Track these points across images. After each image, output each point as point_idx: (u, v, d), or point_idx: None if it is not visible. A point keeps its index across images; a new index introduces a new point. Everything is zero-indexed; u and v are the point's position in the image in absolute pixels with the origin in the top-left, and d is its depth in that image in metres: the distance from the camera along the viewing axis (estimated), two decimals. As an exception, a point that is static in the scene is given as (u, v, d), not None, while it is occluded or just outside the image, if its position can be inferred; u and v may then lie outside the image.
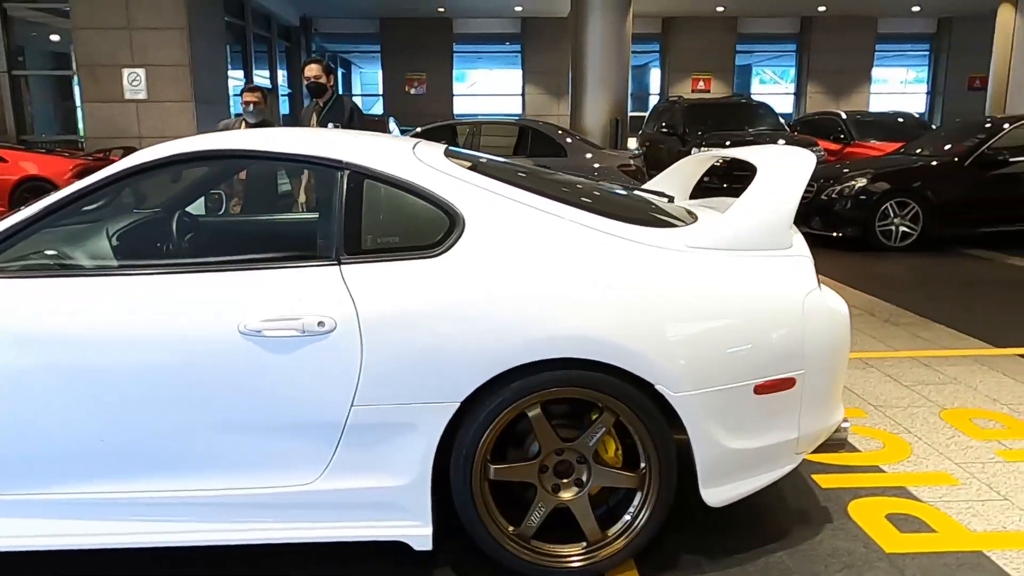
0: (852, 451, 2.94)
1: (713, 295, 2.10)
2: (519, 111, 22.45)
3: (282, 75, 20.42)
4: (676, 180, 3.27)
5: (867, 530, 2.38)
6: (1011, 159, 7.62)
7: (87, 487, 2.05)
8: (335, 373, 1.99)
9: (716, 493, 2.14)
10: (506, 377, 2.01)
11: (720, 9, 20.02)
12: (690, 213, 2.51)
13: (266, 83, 19.10)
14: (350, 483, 2.07)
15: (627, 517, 2.14)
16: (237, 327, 1.98)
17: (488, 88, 23.33)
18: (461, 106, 22.31)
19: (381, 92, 21.98)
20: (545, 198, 2.20)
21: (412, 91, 21.44)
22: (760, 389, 2.12)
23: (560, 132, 9.15)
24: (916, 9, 20.05)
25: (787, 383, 2.15)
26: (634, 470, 2.13)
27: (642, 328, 2.02)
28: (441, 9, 19.99)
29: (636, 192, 2.78)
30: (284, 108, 20.87)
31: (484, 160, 2.46)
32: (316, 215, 2.22)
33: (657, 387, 2.03)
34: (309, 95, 5.36)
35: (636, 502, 2.14)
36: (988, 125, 8.46)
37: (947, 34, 21.50)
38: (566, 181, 2.57)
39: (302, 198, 3.34)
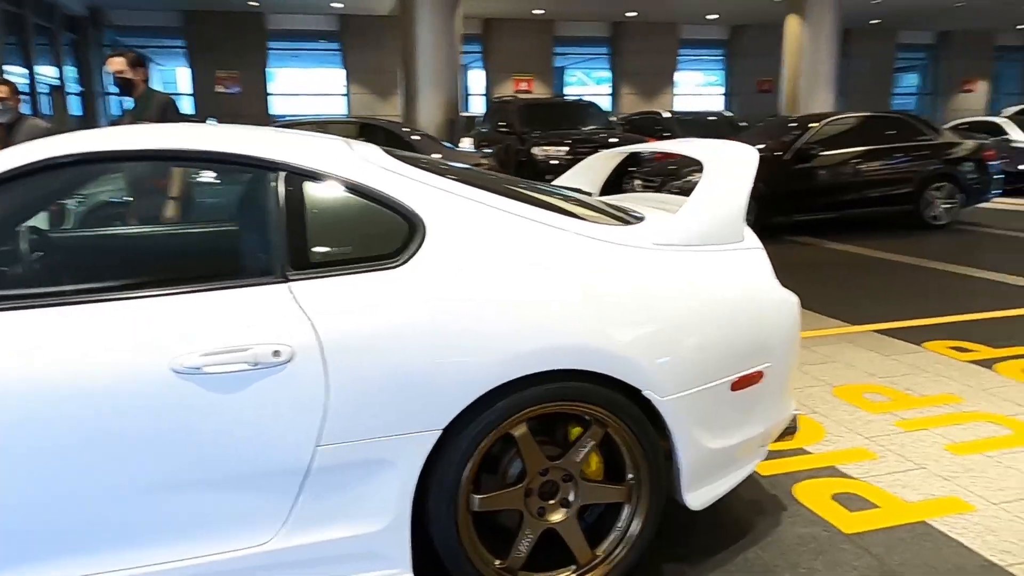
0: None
1: (686, 293, 2.03)
2: (343, 111, 21.73)
3: (71, 72, 18.30)
4: (586, 177, 3.20)
5: (820, 513, 2.44)
6: (821, 152, 8.42)
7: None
8: (295, 410, 1.70)
9: (697, 496, 2.08)
10: (490, 397, 1.81)
11: (538, 12, 20.56)
12: (626, 210, 2.44)
13: (54, 80, 17.01)
14: (316, 536, 1.77)
15: (616, 533, 2.02)
16: (169, 366, 1.62)
17: (308, 88, 22.34)
18: (279, 106, 21.21)
19: (191, 91, 20.33)
20: (504, 197, 2.02)
21: (224, 90, 20.03)
22: (736, 385, 2.09)
23: (406, 130, 8.89)
24: (712, 17, 21.78)
25: (757, 377, 2.14)
26: (620, 483, 2.02)
27: (625, 332, 1.91)
28: (253, 3, 18.85)
29: (571, 190, 2.66)
30: (75, 109, 18.71)
31: (424, 159, 2.22)
32: (236, 225, 1.88)
33: (644, 392, 1.93)
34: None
35: (624, 516, 2.03)
36: (794, 124, 9.32)
37: (739, 41, 23.55)
38: (510, 179, 2.40)
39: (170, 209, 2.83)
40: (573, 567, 1.99)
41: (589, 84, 24.91)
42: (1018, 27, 24.21)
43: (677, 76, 23.38)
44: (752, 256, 2.20)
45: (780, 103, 16.51)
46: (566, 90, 23.96)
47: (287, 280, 1.77)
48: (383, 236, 1.87)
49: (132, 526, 1.66)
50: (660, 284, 2.00)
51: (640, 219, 2.23)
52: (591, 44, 23.18)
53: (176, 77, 22.93)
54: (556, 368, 1.84)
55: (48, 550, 1.62)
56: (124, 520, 1.66)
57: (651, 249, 2.04)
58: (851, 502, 2.51)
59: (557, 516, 1.97)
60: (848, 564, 2.16)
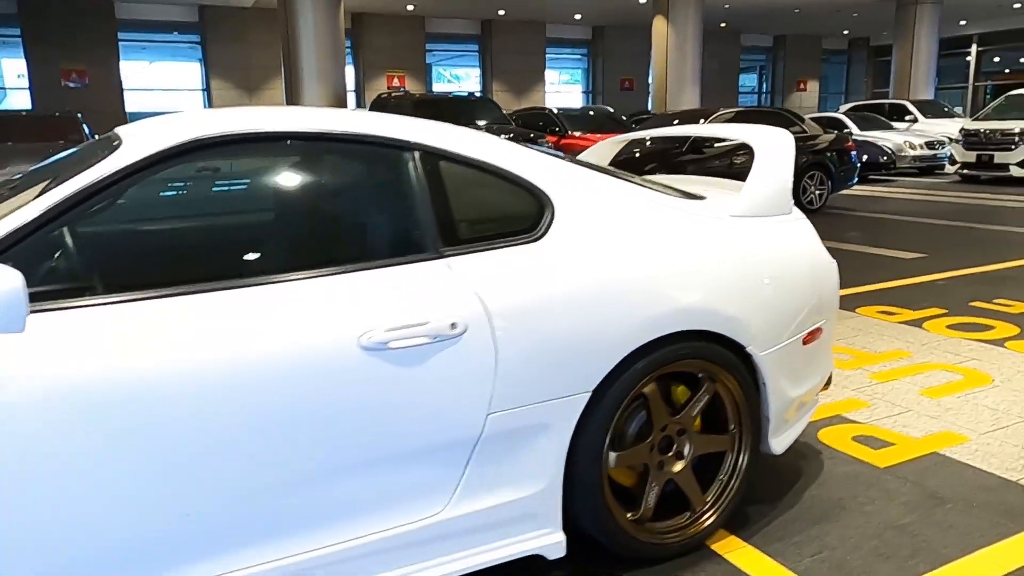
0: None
1: (768, 258, 2.26)
2: (207, 107, 20.61)
3: None
4: (594, 161, 3.37)
5: (851, 453, 2.76)
6: (714, 144, 9.08)
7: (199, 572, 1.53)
8: (470, 380, 1.76)
9: (780, 442, 2.31)
10: (629, 359, 1.95)
11: (409, 8, 20.47)
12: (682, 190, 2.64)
13: None
14: (482, 503, 1.84)
15: (720, 479, 2.22)
16: (358, 342, 1.64)
17: (166, 83, 20.97)
18: (135, 102, 19.79)
19: (28, 85, 18.51)
20: (608, 176, 2.16)
21: (71, 84, 18.42)
22: (806, 340, 2.34)
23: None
24: (578, 17, 22.60)
25: (819, 332, 2.40)
26: (723, 434, 2.21)
27: (733, 295, 2.11)
28: (101, -10, 17.49)
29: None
30: None
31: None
32: (387, 205, 1.90)
33: (748, 349, 2.14)
34: None
35: (727, 465, 2.22)
36: (676, 121, 10.04)
37: (601, 40, 24.57)
38: (589, 162, 2.53)
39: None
40: (688, 513, 2.17)
41: (456, 82, 25.06)
42: (844, 32, 26.91)
43: (546, 74, 24.04)
44: (804, 224, 2.46)
45: (648, 100, 17.46)
46: (435, 87, 24.00)
47: (442, 256, 1.82)
48: (516, 213, 1.96)
49: (322, 505, 1.66)
50: (750, 250, 2.21)
51: (701, 197, 2.43)
52: (462, 41, 23.36)
53: (2, 69, 20.83)
54: (684, 330, 2.01)
55: (248, 530, 1.59)
56: (315, 500, 1.65)
57: (734, 219, 2.25)
58: (870, 442, 2.85)
59: (676, 467, 2.13)
60: (896, 491, 2.47)
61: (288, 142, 1.81)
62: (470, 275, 1.80)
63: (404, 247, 1.82)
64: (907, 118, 16.43)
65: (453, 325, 1.72)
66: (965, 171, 12.70)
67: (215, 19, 19.75)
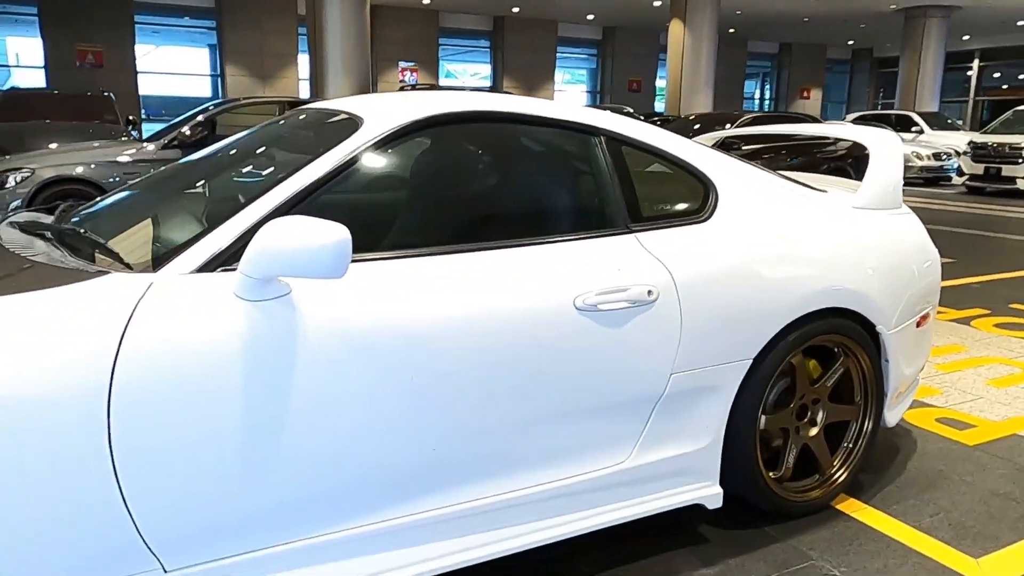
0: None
1: (890, 246, 2.47)
2: (217, 93, 20.67)
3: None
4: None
5: (939, 432, 2.98)
6: (743, 147, 9.33)
7: (412, 508, 1.73)
8: (659, 342, 1.96)
9: (894, 415, 2.53)
10: (785, 331, 2.15)
11: (425, 1, 20.61)
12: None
13: None
14: (657, 455, 2.04)
15: (845, 446, 2.43)
16: (573, 303, 1.84)
17: (180, 67, 21.00)
18: (147, 85, 19.81)
19: (43, 64, 18.49)
20: (754, 167, 2.37)
21: (87, 65, 18.42)
22: (919, 323, 2.56)
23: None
24: (591, 17, 22.82)
25: (927, 317, 2.62)
26: (850, 404, 2.43)
27: (868, 278, 2.32)
28: (120, -28, 17.49)
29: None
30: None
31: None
32: (583, 184, 2.11)
33: (877, 327, 2.35)
34: None
35: (852, 432, 2.44)
36: (698, 125, 10.27)
37: (611, 41, 24.81)
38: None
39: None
40: (816, 476, 2.38)
41: (466, 77, 25.22)
42: (848, 42, 27.30)
43: (557, 73, 24.25)
44: (914, 218, 2.68)
45: (653, 102, 17.70)
46: (443, 82, 24.15)
47: (631, 231, 2.02)
48: (686, 195, 2.17)
49: (534, 449, 1.86)
50: (876, 238, 2.43)
51: (824, 190, 2.65)
52: (474, 37, 23.51)
53: (6, 48, 20.77)
54: (829, 307, 2.22)
55: (475, 467, 1.78)
56: (533, 444, 1.84)
57: (858, 211, 2.47)
58: (953, 424, 3.07)
59: (812, 432, 2.35)
60: (990, 465, 2.70)
61: (506, 124, 2.00)
62: (657, 249, 2.00)
63: (601, 222, 2.01)
64: (913, 129, 16.76)
65: (649, 292, 1.93)
66: (972, 183, 13.02)
67: (231, 5, 19.79)
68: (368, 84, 13.40)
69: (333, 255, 1.43)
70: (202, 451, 1.46)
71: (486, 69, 24.32)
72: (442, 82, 23.49)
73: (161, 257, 1.54)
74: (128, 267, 1.54)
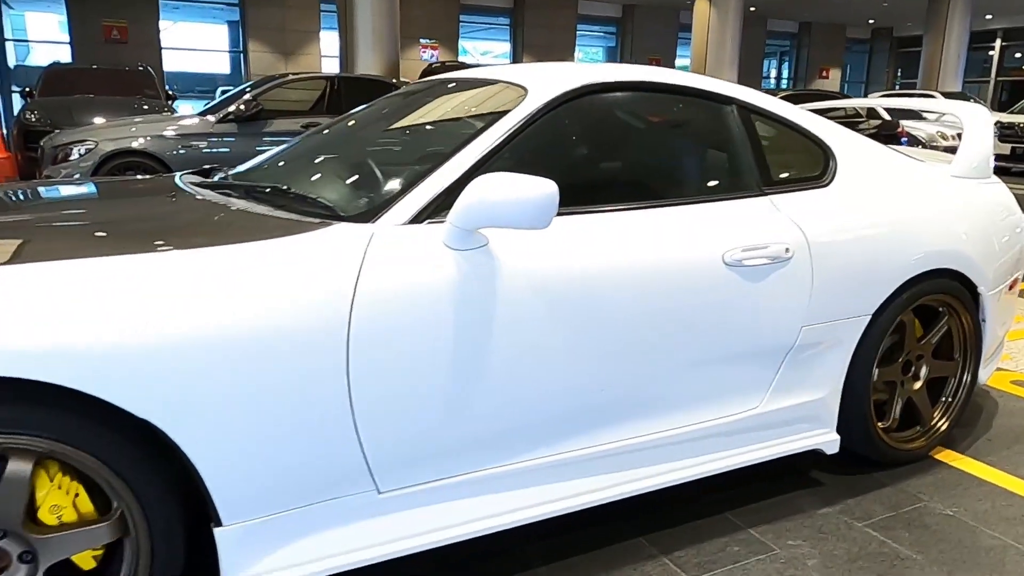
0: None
1: (987, 213, 2.61)
2: (238, 70, 20.73)
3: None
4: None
5: (1016, 394, 3.13)
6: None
7: (581, 444, 1.89)
8: (793, 296, 2.11)
9: (985, 372, 2.68)
10: (900, 289, 2.30)
11: (446, -22, 20.55)
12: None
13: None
14: (785, 402, 2.20)
15: (946, 400, 2.59)
16: (722, 258, 1.98)
17: (200, 43, 21.04)
18: (172, 62, 19.87)
19: (68, 40, 18.58)
20: (863, 136, 2.50)
21: (113, 41, 18.51)
22: (1010, 287, 2.70)
23: (395, 81, 8.95)
24: (612, -5, 22.72)
25: (1017, 281, 2.77)
26: (949, 360, 2.58)
27: (972, 242, 2.46)
28: (146, -52, 17.50)
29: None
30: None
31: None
32: (715, 146, 2.25)
33: (979, 288, 2.50)
34: None
35: (951, 386, 2.59)
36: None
37: (631, 19, 24.71)
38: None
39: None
40: (917, 427, 2.54)
41: (477, 56, 25.17)
42: (869, 21, 27.12)
43: (577, 52, 24.19)
44: (1003, 187, 2.81)
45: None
46: (461, 59, 24.12)
47: (765, 194, 2.16)
48: (809, 162, 2.30)
49: (681, 393, 2.01)
50: (976, 205, 2.56)
51: (921, 160, 2.78)
52: (494, 14, 23.45)
53: (25, 23, 20.86)
54: (938, 268, 2.36)
55: (629, 408, 1.94)
56: (678, 389, 2.00)
57: (959, 179, 2.60)
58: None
59: (915, 386, 2.50)
60: (1072, 422, 2.86)
61: (651, 93, 2.14)
62: (789, 210, 2.15)
63: (738, 185, 2.16)
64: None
65: (787, 249, 2.07)
66: (998, 163, 13.06)
67: (253, -19, 19.78)
68: (397, 60, 13.46)
69: (541, 207, 1.58)
70: (419, 382, 1.62)
71: (504, 47, 24.27)
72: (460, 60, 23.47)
73: (374, 210, 1.69)
74: (343, 219, 1.69)
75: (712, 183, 2.15)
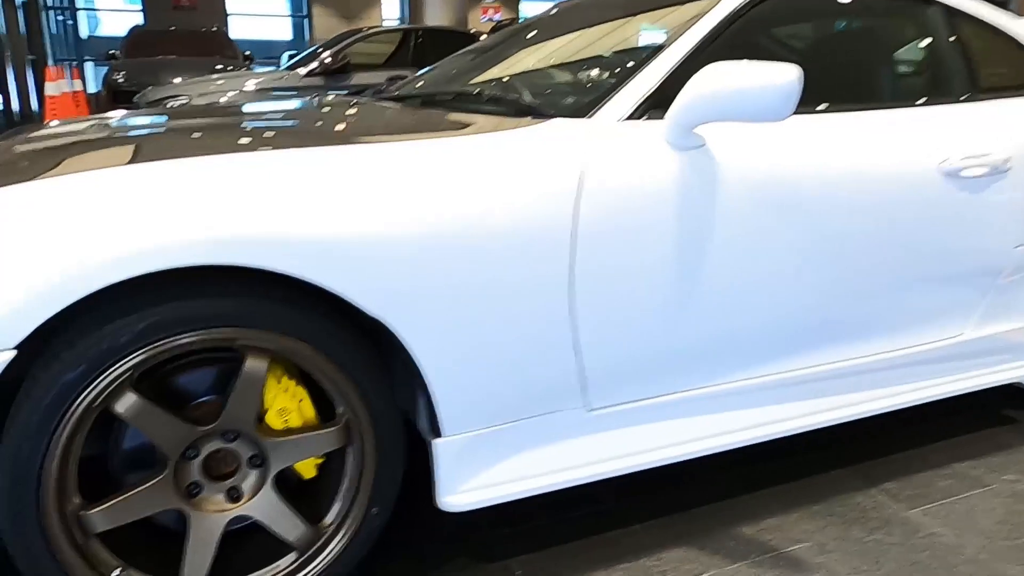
0: None
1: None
2: (301, 35, 20.83)
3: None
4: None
5: None
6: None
7: (789, 366, 1.77)
8: (1011, 212, 1.93)
9: None
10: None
11: (509, -65, 20.14)
12: None
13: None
14: (991, 330, 2.03)
15: None
16: (939, 167, 1.81)
17: (268, 8, 21.17)
18: (236, 28, 20.03)
19: (140, 5, 18.89)
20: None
21: (183, 6, 18.76)
22: None
23: (474, 32, 8.82)
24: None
25: None
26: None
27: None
28: (213, -88, 17.57)
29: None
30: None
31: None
32: (911, 51, 2.06)
33: None
34: None
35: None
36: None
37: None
38: None
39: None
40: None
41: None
42: None
43: None
44: None
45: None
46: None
47: (977, 100, 1.97)
48: (1015, 69, 2.10)
49: (885, 316, 1.86)
50: None
51: None
52: (556, -28, 22.98)
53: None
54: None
55: (835, 336, 1.81)
56: (884, 310, 1.85)
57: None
58: None
59: None
60: None
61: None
62: (1004, 118, 1.96)
63: (951, 90, 1.97)
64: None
65: (1006, 159, 1.89)
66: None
67: (316, -56, 19.74)
68: (465, 18, 13.28)
69: (783, 95, 1.43)
70: (642, 289, 1.51)
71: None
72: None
73: (589, 104, 1.57)
74: (557, 116, 1.57)
75: (924, 88, 1.97)
